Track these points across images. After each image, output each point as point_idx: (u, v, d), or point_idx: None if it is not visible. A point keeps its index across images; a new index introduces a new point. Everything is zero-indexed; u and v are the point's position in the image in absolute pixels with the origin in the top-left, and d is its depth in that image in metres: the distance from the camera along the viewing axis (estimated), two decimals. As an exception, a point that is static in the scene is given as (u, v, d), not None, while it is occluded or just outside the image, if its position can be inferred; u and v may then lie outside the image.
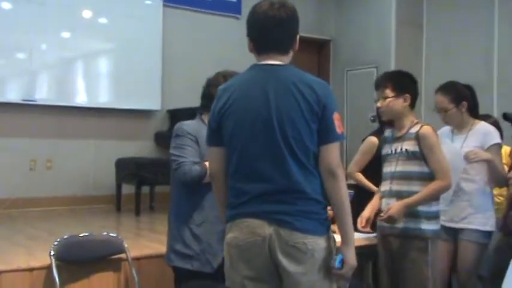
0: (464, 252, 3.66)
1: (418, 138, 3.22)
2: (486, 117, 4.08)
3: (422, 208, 3.21)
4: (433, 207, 3.25)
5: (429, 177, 3.22)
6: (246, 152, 2.37)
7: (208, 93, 3.07)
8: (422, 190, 3.20)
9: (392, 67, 8.51)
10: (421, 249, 3.20)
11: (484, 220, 3.63)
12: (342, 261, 2.33)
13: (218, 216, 2.72)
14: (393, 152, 3.35)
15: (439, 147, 3.23)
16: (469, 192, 3.65)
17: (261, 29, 2.43)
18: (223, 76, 3.08)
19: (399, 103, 3.30)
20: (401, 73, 3.48)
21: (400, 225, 3.21)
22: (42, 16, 7.20)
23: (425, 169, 3.23)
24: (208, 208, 3.01)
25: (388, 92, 3.30)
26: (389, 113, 3.35)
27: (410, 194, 3.21)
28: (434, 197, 3.23)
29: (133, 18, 7.86)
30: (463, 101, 3.66)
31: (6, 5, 7.16)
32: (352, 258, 2.36)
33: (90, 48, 7.85)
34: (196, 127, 3.08)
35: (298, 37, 2.47)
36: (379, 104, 3.35)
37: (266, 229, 2.31)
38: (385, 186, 3.38)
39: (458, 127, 3.75)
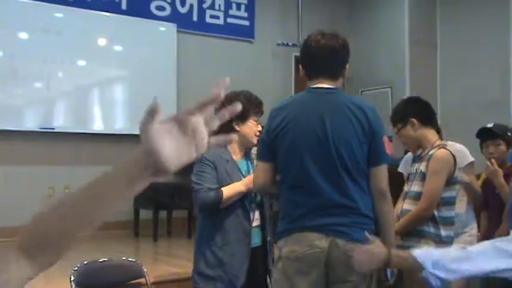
0: None
1: (430, 159, 3.22)
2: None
3: (426, 229, 3.17)
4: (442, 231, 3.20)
5: None
6: (304, 169, 2.51)
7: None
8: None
9: (407, 87, 8.52)
10: None
11: None
12: (393, 272, 2.59)
13: (239, 238, 2.99)
14: (414, 171, 3.34)
15: (437, 174, 3.18)
16: None
17: (312, 56, 2.63)
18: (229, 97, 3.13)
19: (406, 131, 3.33)
20: (396, 107, 3.49)
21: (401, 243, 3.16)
22: (58, 45, 7.32)
23: None
24: (230, 230, 3.06)
25: (397, 127, 3.36)
26: (408, 142, 3.40)
27: None
28: (414, 224, 3.15)
29: (148, 45, 7.95)
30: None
31: (23, 35, 7.29)
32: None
33: (106, 76, 7.95)
34: (216, 152, 3.10)
35: (347, 66, 2.66)
36: (401, 141, 3.40)
37: (324, 241, 2.45)
38: (398, 205, 3.37)
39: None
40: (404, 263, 2.24)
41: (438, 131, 3.61)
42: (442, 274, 2.06)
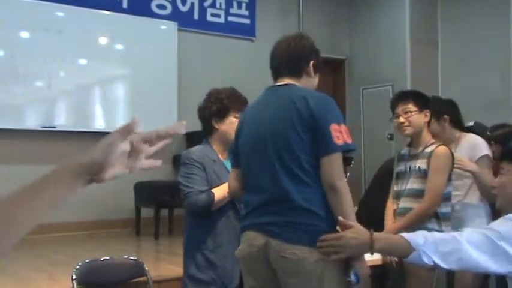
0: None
1: (430, 156, 3.22)
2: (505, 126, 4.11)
3: (430, 226, 3.16)
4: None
5: None
6: (248, 168, 2.54)
7: (202, 116, 3.13)
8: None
9: (408, 84, 8.52)
10: None
11: None
12: (357, 275, 2.31)
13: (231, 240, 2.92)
14: (408, 169, 3.33)
15: (442, 170, 3.18)
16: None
17: (272, 59, 2.65)
18: (209, 95, 3.19)
19: (421, 118, 3.30)
20: (419, 92, 3.48)
21: None
22: (59, 44, 7.32)
23: None
24: (221, 233, 2.98)
25: (411, 107, 3.29)
26: (413, 127, 3.32)
27: None
28: (419, 221, 3.14)
29: (149, 43, 7.95)
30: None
31: (25, 34, 7.29)
32: (364, 268, 2.36)
33: (107, 74, 7.95)
34: (203, 153, 3.04)
35: (311, 63, 2.58)
36: (401, 119, 3.31)
37: (260, 240, 2.41)
38: (391, 205, 3.38)
39: (446, 141, 3.58)
40: (390, 245, 2.11)
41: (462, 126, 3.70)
42: (433, 255, 1.97)
